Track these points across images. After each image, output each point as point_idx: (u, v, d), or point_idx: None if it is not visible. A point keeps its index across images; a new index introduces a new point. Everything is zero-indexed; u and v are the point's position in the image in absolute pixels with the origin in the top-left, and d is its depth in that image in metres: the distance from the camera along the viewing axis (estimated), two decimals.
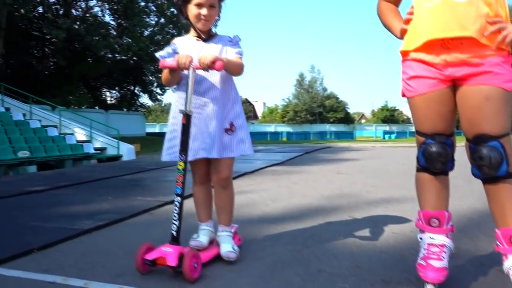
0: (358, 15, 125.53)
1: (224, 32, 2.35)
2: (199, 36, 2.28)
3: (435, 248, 1.86)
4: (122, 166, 9.15)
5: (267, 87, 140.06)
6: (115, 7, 22.16)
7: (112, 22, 23.46)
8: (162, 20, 23.10)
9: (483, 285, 1.95)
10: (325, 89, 55.96)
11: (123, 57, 22.95)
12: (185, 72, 2.18)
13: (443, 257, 1.84)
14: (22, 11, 18.29)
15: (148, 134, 27.64)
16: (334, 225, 3.17)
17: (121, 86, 27.48)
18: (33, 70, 21.37)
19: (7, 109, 13.55)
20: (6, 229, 3.18)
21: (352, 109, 62.90)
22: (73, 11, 22.15)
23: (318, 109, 53.24)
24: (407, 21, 1.90)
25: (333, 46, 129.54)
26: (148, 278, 2.06)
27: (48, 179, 6.55)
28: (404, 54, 1.92)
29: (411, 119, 2.04)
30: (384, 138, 37.54)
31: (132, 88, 27.92)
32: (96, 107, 25.27)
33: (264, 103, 71.33)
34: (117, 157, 13.13)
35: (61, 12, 21.79)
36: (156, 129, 42.77)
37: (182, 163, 2.10)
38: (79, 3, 22.40)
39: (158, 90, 27.19)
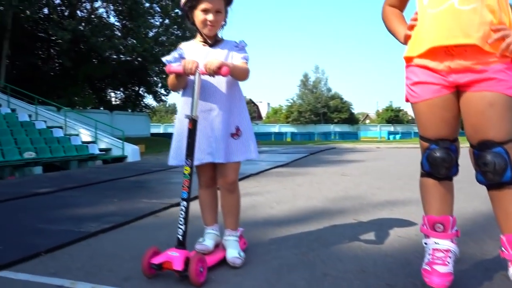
0: (363, 15, 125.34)
1: (229, 33, 2.37)
2: (205, 41, 2.30)
3: (440, 253, 1.87)
4: (127, 168, 9.20)
5: (271, 87, 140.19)
6: (120, 8, 22.22)
7: (117, 23, 23.56)
8: (167, 21, 23.14)
9: None
10: (329, 90, 56.00)
11: (127, 58, 23.04)
12: (191, 77, 2.19)
13: (448, 262, 1.85)
14: (28, 12, 18.40)
15: (153, 134, 27.73)
16: (339, 228, 3.18)
17: (125, 87, 27.58)
18: (39, 71, 21.50)
19: (13, 110, 13.65)
20: (14, 231, 3.21)
21: (356, 110, 62.81)
22: (78, 12, 22.25)
23: (323, 110, 53.20)
24: (411, 27, 1.91)
25: (337, 46, 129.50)
26: (155, 282, 2.08)
27: (54, 180, 6.59)
28: (408, 60, 1.93)
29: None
30: (388, 138, 37.44)
31: (137, 88, 28.02)
32: (101, 108, 25.37)
33: (268, 104, 71.37)
34: (122, 158, 13.19)
35: (66, 13, 21.90)
36: (160, 129, 42.98)
37: (188, 168, 2.11)
38: (84, 4, 22.51)
39: (162, 91, 27.26)
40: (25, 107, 14.43)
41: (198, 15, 2.19)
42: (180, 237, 2.09)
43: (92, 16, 22.23)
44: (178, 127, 2.32)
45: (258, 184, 5.74)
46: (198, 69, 2.11)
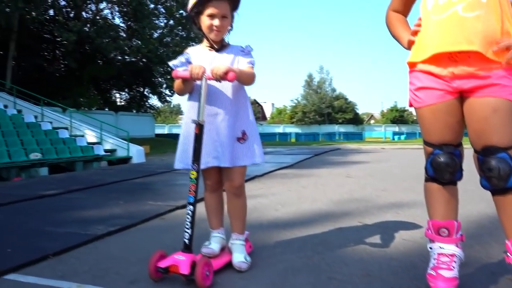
0: (367, 15, 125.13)
1: (233, 34, 2.38)
2: (211, 46, 2.31)
3: (445, 257, 1.88)
4: (132, 169, 9.24)
5: (276, 87, 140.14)
6: (125, 9, 22.31)
7: (122, 25, 23.65)
8: (171, 22, 23.20)
9: None
10: (334, 90, 55.92)
11: (132, 59, 23.10)
12: (198, 82, 2.21)
13: (453, 267, 1.85)
14: (34, 14, 18.53)
15: (158, 135, 27.78)
16: (344, 231, 3.19)
17: (130, 88, 27.67)
18: (44, 72, 21.62)
19: (19, 111, 13.72)
20: (21, 234, 3.24)
21: (361, 110, 62.54)
22: (83, 14, 22.35)
23: (327, 110, 53.12)
24: (415, 33, 1.93)
25: (341, 47, 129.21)
26: (161, 285, 2.10)
27: (60, 182, 6.64)
28: (412, 65, 1.94)
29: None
30: (393, 139, 37.28)
31: (142, 89, 28.11)
32: (106, 109, 25.46)
33: (273, 104, 71.36)
34: (127, 159, 13.22)
35: (71, 15, 22.00)
36: (165, 130, 43.05)
37: (194, 172, 2.13)
38: (89, 6, 22.61)
39: (167, 92, 27.32)
40: (31, 108, 14.51)
41: (205, 21, 2.21)
42: (186, 241, 2.11)
43: (97, 17, 22.33)
44: (185, 131, 2.34)
45: (263, 186, 5.75)
46: (205, 74, 2.13)
